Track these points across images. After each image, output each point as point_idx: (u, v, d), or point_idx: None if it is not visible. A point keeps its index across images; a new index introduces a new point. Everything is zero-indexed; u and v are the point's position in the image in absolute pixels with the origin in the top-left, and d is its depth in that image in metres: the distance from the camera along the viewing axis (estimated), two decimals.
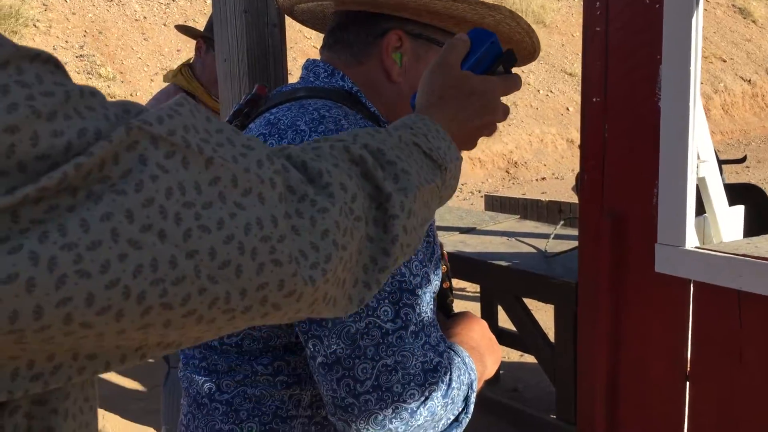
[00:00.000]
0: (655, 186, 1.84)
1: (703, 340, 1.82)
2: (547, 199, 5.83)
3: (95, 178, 0.43)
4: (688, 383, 1.87)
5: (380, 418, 0.86)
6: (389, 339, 0.87)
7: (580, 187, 2.09)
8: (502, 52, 0.92)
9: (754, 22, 16.30)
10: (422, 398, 0.87)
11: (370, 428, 0.87)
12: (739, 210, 2.10)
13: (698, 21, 1.73)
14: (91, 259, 0.42)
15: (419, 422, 0.88)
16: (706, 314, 1.81)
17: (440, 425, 0.93)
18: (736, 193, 2.50)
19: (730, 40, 15.30)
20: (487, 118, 0.87)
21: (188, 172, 0.47)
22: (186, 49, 9.49)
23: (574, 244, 2.82)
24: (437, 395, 0.89)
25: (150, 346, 0.50)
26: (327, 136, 0.69)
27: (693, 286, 1.82)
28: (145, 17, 10.18)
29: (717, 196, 2.01)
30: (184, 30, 2.76)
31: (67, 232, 0.41)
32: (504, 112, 0.89)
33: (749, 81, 14.55)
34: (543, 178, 10.36)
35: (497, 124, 0.90)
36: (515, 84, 0.90)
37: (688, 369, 1.86)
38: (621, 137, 1.94)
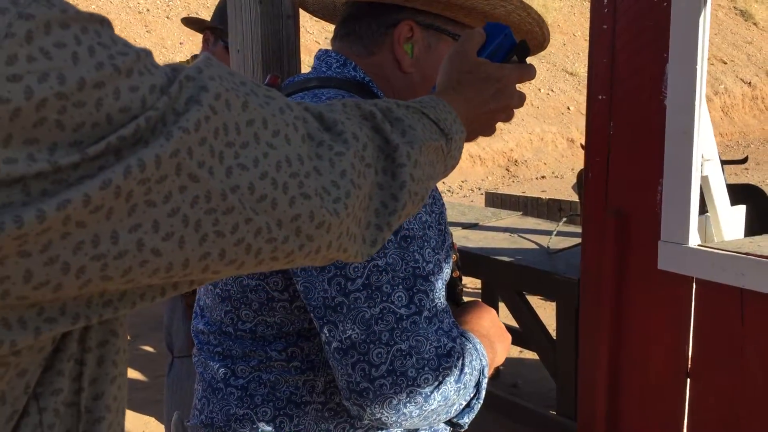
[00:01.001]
0: (660, 184, 1.86)
1: (704, 337, 1.84)
2: (547, 197, 5.84)
3: (159, 129, 0.48)
4: (688, 380, 1.88)
5: (395, 402, 0.87)
6: (403, 324, 0.88)
7: (584, 183, 2.10)
8: (516, 43, 0.96)
9: (755, 24, 16.32)
10: (436, 383, 0.89)
11: (384, 412, 0.88)
12: (741, 210, 2.11)
13: (705, 20, 1.74)
14: (157, 191, 0.48)
15: (433, 406, 0.89)
16: (708, 312, 1.82)
17: (453, 410, 0.94)
18: (736, 193, 2.51)
19: (731, 42, 15.32)
20: (502, 102, 0.91)
21: (231, 113, 0.53)
22: (189, 42, 9.49)
23: (577, 240, 2.83)
24: (450, 380, 0.90)
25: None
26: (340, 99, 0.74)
27: (695, 284, 1.83)
28: (148, 9, 10.17)
29: (719, 195, 2.02)
30: (192, 23, 2.74)
31: (145, 168, 0.46)
32: (519, 98, 0.92)
33: (749, 83, 14.57)
34: (543, 177, 10.38)
35: (514, 110, 0.93)
36: (529, 72, 0.94)
37: (689, 366, 1.88)
38: (626, 135, 1.95)
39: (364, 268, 0.88)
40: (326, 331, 0.90)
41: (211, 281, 0.57)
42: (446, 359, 0.90)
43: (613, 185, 1.99)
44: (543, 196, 6.62)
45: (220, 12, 2.62)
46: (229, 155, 0.52)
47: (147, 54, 0.50)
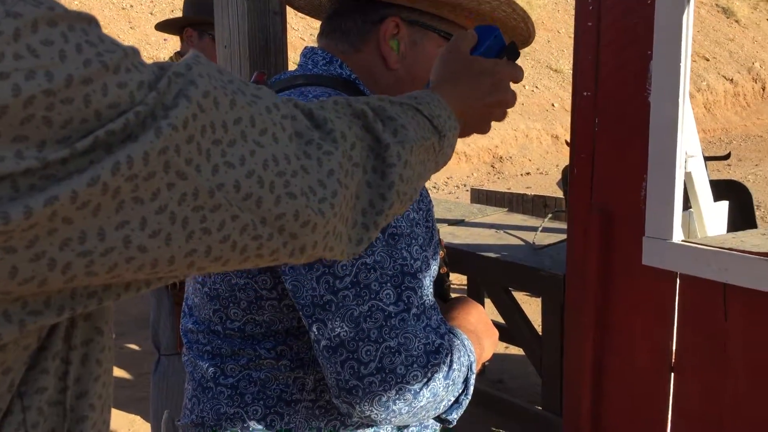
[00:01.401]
0: (644, 180, 1.87)
1: (688, 332, 1.86)
2: (532, 194, 5.86)
3: (149, 124, 0.48)
4: (672, 374, 1.90)
5: (384, 399, 0.88)
6: (392, 321, 0.88)
7: (569, 180, 2.11)
8: (506, 44, 0.96)
9: (737, 21, 16.46)
10: (425, 380, 0.89)
11: (374, 410, 0.88)
12: (724, 205, 2.14)
13: (689, 18, 1.76)
14: (145, 188, 0.48)
15: (422, 403, 0.90)
16: (692, 307, 1.84)
17: (441, 406, 0.94)
18: (719, 189, 2.53)
19: (713, 39, 15.44)
20: (496, 97, 0.91)
21: (218, 111, 0.53)
22: (173, 38, 9.42)
23: (562, 237, 2.85)
24: (439, 376, 0.90)
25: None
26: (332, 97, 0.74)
27: (679, 279, 1.85)
28: (131, 5, 10.10)
29: (703, 191, 2.04)
30: (167, 26, 2.63)
31: (133, 165, 0.47)
32: (513, 95, 0.93)
33: (731, 80, 14.69)
34: (528, 173, 10.42)
35: (507, 109, 0.94)
36: (518, 72, 0.94)
37: (673, 360, 1.89)
38: (611, 131, 1.96)
39: (353, 266, 0.88)
40: (315, 330, 0.90)
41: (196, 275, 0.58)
42: (435, 356, 0.90)
43: (598, 181, 2.01)
44: (528, 192, 6.65)
45: (191, 2, 2.56)
46: (216, 153, 0.52)
47: (134, 52, 0.50)
